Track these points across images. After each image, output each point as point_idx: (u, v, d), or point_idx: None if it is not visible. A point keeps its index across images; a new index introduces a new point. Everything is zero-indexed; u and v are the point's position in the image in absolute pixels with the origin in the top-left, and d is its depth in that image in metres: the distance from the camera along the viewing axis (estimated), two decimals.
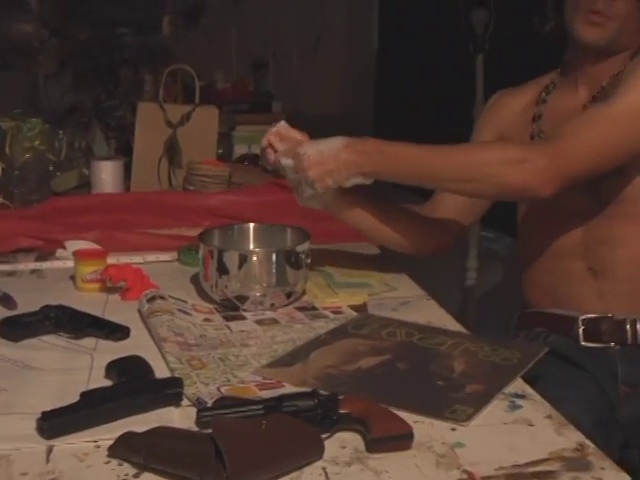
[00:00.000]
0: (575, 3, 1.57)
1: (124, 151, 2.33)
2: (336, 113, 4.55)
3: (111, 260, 1.65)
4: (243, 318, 1.45)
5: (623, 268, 1.58)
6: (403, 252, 1.71)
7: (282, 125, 1.53)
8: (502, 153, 1.48)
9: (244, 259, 1.46)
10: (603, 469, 0.98)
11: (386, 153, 1.47)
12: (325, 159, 1.44)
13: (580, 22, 1.56)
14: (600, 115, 1.48)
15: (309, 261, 1.51)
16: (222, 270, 1.47)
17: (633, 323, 1.56)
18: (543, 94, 1.70)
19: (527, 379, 1.24)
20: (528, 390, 1.18)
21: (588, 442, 1.03)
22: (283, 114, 2.87)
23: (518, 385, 1.19)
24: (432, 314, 1.47)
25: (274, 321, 1.44)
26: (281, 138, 1.51)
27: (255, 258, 1.47)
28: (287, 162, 1.48)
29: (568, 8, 1.59)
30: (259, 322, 1.43)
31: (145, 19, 2.94)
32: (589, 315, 1.58)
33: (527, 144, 1.50)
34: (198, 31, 3.15)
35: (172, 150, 2.20)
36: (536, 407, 1.13)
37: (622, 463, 1.04)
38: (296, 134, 1.51)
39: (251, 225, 1.63)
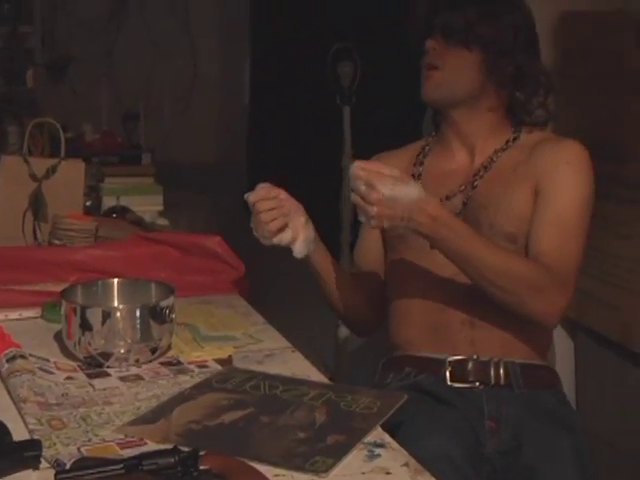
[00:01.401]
0: None
1: None
2: (209, 163, 4.57)
3: None
4: (107, 375, 1.43)
5: (499, 319, 1.65)
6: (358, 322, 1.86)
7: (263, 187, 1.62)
8: (535, 275, 1.58)
9: (107, 315, 1.45)
10: None
11: (449, 225, 1.52)
12: (396, 205, 1.47)
13: (422, 81, 1.70)
14: (565, 225, 1.62)
15: (174, 316, 1.51)
16: (85, 327, 1.45)
17: (497, 365, 1.64)
18: (420, 156, 1.81)
19: (391, 424, 1.27)
20: (387, 439, 1.21)
21: None
22: (153, 166, 2.86)
23: (377, 434, 1.22)
24: (296, 366, 1.49)
25: (138, 377, 1.43)
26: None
27: (119, 314, 1.46)
28: (358, 185, 1.48)
29: None
30: (123, 379, 1.42)
31: (9, 70, 2.90)
32: (456, 357, 1.65)
33: (545, 268, 1.59)
34: (66, 83, 3.12)
35: (37, 204, 2.17)
36: (394, 455, 1.15)
37: None
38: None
39: (115, 281, 1.62)
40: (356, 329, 1.93)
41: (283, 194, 1.63)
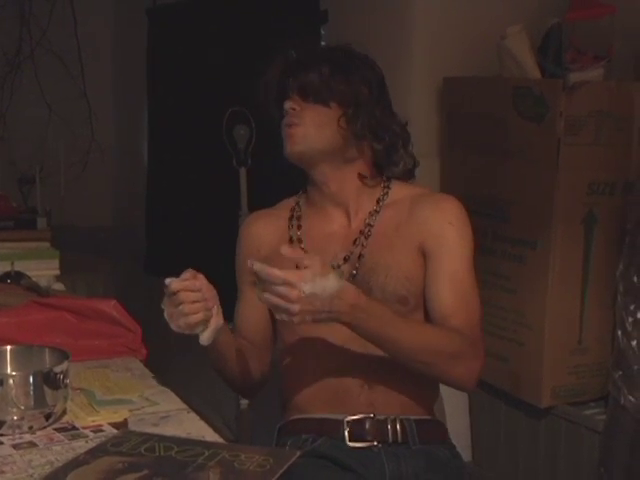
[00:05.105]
0: None
1: None
2: (107, 225, 4.55)
3: None
4: None
5: (396, 381, 1.68)
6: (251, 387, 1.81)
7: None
8: (451, 344, 1.62)
9: (0, 383, 1.45)
10: None
11: (367, 310, 1.50)
12: (316, 300, 1.44)
13: (285, 140, 1.71)
14: (461, 285, 1.68)
15: (68, 381, 1.52)
16: None
17: (393, 422, 1.67)
18: (293, 219, 1.79)
19: None
20: None
21: None
22: (49, 230, 2.85)
23: None
24: (192, 427, 1.51)
25: (32, 444, 1.42)
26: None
27: (11, 381, 1.45)
28: (276, 286, 1.42)
29: None
30: (16, 447, 1.41)
31: None
32: (353, 417, 1.67)
33: (458, 335, 1.63)
34: None
35: None
36: None
37: None
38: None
39: (8, 347, 1.61)
40: (244, 393, 1.94)
41: (204, 282, 1.55)
